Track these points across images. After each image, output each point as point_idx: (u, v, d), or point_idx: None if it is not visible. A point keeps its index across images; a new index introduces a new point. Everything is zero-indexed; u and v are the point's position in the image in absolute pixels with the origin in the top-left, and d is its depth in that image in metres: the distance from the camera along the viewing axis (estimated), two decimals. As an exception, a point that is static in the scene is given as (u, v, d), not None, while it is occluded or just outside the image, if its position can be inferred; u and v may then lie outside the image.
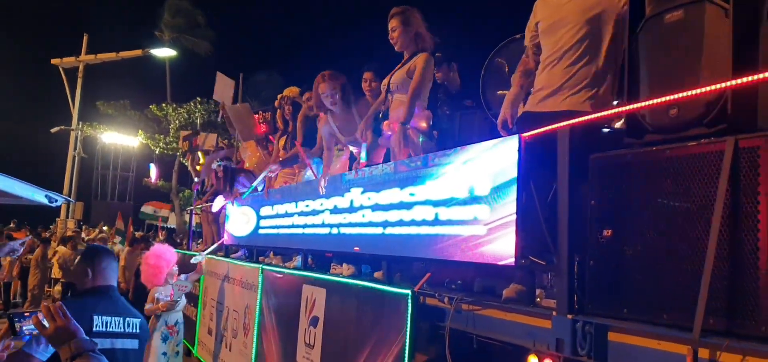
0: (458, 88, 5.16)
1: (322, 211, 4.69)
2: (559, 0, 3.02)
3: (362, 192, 4.10)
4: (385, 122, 4.27)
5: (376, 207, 3.89)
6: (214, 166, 7.66)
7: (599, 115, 2.56)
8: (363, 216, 4.04)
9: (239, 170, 7.67)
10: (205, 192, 8.92)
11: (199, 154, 10.39)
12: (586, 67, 2.84)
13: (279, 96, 6.56)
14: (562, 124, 2.53)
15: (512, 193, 2.73)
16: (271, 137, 7.13)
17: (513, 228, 2.69)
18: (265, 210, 6.04)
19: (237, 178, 7.44)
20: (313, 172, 5.52)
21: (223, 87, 8.32)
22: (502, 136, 2.99)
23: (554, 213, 2.60)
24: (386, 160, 4.72)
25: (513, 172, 2.74)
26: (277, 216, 5.67)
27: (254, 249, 6.48)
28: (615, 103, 2.85)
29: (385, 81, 4.36)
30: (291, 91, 6.41)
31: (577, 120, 2.47)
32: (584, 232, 2.45)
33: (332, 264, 4.85)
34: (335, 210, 4.48)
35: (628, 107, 2.35)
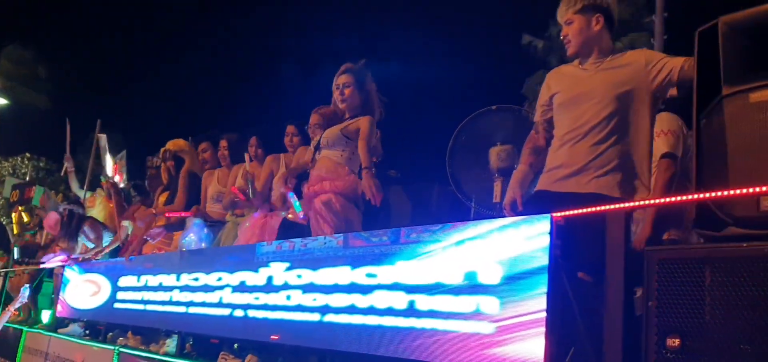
0: (381, 155, 4.68)
1: (221, 288, 3.80)
2: (580, 73, 2.72)
3: (288, 269, 3.35)
4: (305, 184, 3.64)
5: (309, 288, 3.16)
6: (61, 208, 6.32)
7: (666, 201, 2.21)
8: (288, 298, 3.28)
9: (85, 217, 6.41)
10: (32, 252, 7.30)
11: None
12: (614, 147, 2.52)
13: (162, 149, 5.58)
14: (613, 206, 2.13)
15: (539, 286, 2.22)
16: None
17: (540, 330, 2.17)
18: (127, 281, 4.90)
19: (81, 226, 6.18)
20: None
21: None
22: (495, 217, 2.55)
23: (593, 314, 2.15)
24: (285, 229, 4.04)
25: (539, 259, 2.25)
26: (147, 288, 4.59)
27: (101, 325, 5.21)
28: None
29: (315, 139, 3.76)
30: (175, 144, 5.46)
31: (633, 204, 2.09)
32: (638, 340, 2.02)
33: (222, 354, 3.92)
34: (242, 288, 3.64)
35: (707, 195, 2.02)
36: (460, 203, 3.88)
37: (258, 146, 4.81)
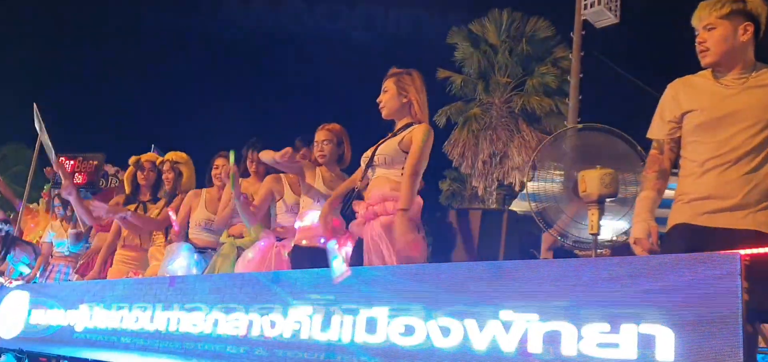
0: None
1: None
2: (720, 89, 2.37)
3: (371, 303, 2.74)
4: (362, 203, 3.08)
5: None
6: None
7: None
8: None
9: (17, 239, 5.51)
10: None
11: None
12: None
13: (159, 158, 4.87)
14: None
15: (730, 336, 1.79)
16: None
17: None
18: (87, 312, 4.04)
19: (13, 249, 5.28)
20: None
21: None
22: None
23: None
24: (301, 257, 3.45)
25: (728, 306, 1.83)
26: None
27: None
28: None
29: (368, 153, 3.21)
30: (177, 155, 4.75)
31: None
32: None
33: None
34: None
35: None
36: (528, 233, 3.37)
37: (259, 162, 4.14)
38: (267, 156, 3.66)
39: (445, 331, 2.33)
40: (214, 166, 4.33)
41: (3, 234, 5.80)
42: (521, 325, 2.15)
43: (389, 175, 3.09)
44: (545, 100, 18.12)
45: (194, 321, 3.34)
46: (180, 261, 4.05)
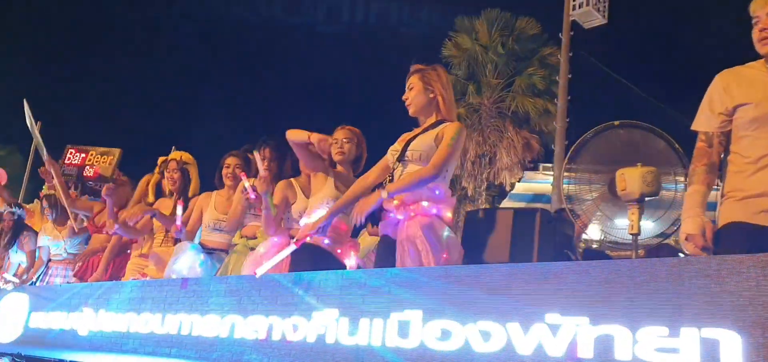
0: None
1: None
2: None
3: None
4: (395, 201, 2.92)
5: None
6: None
7: None
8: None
9: (26, 226, 5.39)
10: None
11: None
12: None
13: (161, 158, 4.74)
14: None
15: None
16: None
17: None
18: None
19: (21, 235, 5.19)
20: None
21: None
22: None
23: None
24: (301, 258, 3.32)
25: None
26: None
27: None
28: None
29: (397, 146, 3.09)
30: (183, 155, 4.62)
31: None
32: None
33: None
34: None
35: None
36: (562, 232, 3.25)
37: (272, 159, 3.99)
38: (298, 135, 3.46)
39: (486, 335, 2.23)
40: (226, 165, 4.21)
41: (16, 217, 5.64)
42: (570, 329, 2.05)
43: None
44: (537, 101, 18.14)
45: (209, 325, 3.21)
46: (185, 261, 3.92)
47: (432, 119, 3.02)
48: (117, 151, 6.99)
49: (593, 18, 14.18)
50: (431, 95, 3.00)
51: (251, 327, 3.01)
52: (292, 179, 3.75)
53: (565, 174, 3.45)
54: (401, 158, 2.98)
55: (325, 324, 2.73)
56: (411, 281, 2.52)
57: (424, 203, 2.83)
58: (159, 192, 4.77)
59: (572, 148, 3.61)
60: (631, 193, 3.28)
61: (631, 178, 3.27)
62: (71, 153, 7.04)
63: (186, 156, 4.59)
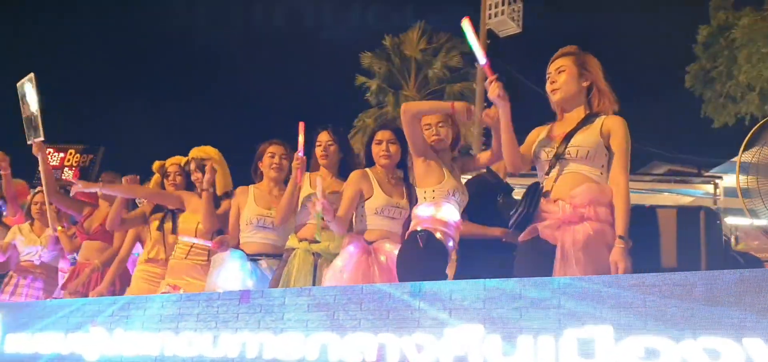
0: None
1: None
2: None
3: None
4: (559, 203, 2.50)
5: None
6: None
7: None
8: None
9: None
10: None
11: None
12: None
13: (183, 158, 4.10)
14: None
15: None
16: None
17: None
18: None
19: None
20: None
21: None
22: None
23: None
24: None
25: None
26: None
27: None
28: None
29: (539, 136, 2.70)
30: (204, 151, 3.98)
31: None
32: None
33: None
34: None
35: None
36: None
37: (330, 144, 3.51)
38: (422, 106, 3.15)
39: (714, 354, 1.86)
40: (269, 154, 3.64)
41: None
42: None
43: (586, 171, 2.57)
44: None
45: (288, 346, 2.65)
46: (230, 273, 3.31)
47: (580, 111, 2.65)
48: (101, 150, 6.18)
49: (508, 27, 15.19)
50: (585, 83, 2.64)
51: (354, 347, 2.49)
52: (367, 169, 3.28)
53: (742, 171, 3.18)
54: (561, 155, 2.57)
55: (465, 343, 2.27)
56: (591, 292, 2.12)
57: (601, 210, 2.44)
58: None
59: (749, 135, 3.34)
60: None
61: None
62: (50, 153, 6.14)
63: (205, 150, 3.95)
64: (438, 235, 2.86)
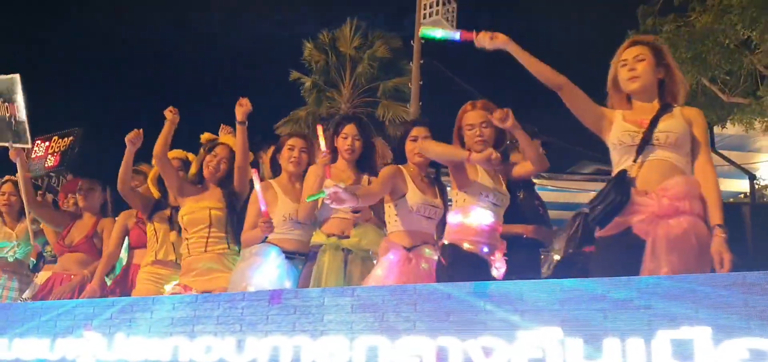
0: None
1: None
2: None
3: None
4: (652, 195, 2.35)
5: None
6: None
7: None
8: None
9: None
10: None
11: None
12: None
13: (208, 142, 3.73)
14: None
15: None
16: None
17: None
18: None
19: None
20: None
21: None
22: None
23: None
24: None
25: None
26: None
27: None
28: None
29: (629, 126, 2.52)
30: (227, 139, 3.68)
31: None
32: None
33: None
34: None
35: None
36: None
37: (356, 138, 3.35)
38: (438, 152, 3.08)
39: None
40: (288, 147, 3.41)
41: None
42: None
43: (674, 160, 2.43)
44: (392, 106, 18.43)
45: (329, 349, 2.41)
46: (268, 272, 3.04)
47: (654, 101, 2.55)
48: (77, 131, 5.74)
49: (442, 27, 15.52)
50: (660, 75, 2.55)
51: (407, 350, 2.27)
52: (402, 167, 3.11)
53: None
54: (648, 140, 2.45)
55: (540, 345, 2.09)
56: (684, 291, 1.98)
57: (696, 203, 2.32)
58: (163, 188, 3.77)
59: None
60: None
61: None
62: (37, 145, 5.71)
63: (231, 139, 3.65)
64: (466, 245, 2.74)
